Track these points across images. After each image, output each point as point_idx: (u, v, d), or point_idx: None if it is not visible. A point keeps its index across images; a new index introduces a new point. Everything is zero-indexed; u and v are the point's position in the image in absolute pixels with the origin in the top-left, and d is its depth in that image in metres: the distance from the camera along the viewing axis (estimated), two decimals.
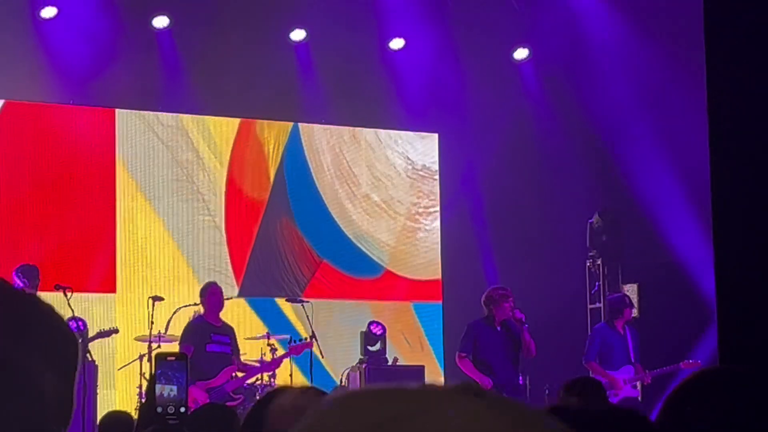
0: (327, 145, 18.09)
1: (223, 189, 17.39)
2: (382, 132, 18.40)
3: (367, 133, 18.32)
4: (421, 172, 18.59)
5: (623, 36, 16.70)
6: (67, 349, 2.18)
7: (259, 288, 17.23)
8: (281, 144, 17.81)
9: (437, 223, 18.49)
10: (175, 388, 3.82)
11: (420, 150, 18.59)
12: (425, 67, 17.62)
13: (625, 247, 17.06)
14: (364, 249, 18.10)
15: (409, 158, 18.55)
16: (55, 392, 2.12)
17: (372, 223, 18.22)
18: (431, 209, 18.59)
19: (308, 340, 14.64)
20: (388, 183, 18.45)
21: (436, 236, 18.46)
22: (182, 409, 3.84)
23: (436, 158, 18.52)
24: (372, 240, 18.11)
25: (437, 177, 18.55)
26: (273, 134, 17.79)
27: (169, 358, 3.87)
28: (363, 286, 18.02)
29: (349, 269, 17.86)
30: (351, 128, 18.17)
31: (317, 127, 18.01)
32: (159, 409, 3.80)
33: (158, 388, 3.82)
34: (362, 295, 17.99)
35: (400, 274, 18.19)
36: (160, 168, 17.16)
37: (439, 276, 18.38)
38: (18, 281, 13.13)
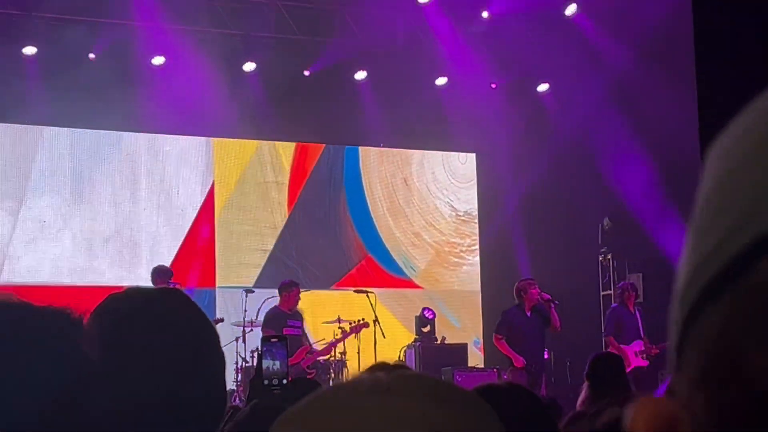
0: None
1: (288, 201, 17.30)
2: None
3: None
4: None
5: (623, 64, 16.32)
6: (212, 344, 2.26)
7: (324, 282, 17.04)
8: (341, 166, 17.84)
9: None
10: (278, 363, 4.01)
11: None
12: (464, 100, 17.32)
13: (629, 244, 16.79)
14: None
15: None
16: (204, 389, 2.18)
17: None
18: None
19: (364, 321, 14.35)
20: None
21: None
22: (284, 381, 4.00)
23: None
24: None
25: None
26: (338, 156, 17.76)
27: (272, 340, 4.16)
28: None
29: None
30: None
31: (374, 156, 17.91)
32: (266, 382, 3.96)
33: (264, 363, 4.00)
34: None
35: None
36: (248, 185, 17.10)
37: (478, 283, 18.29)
38: (158, 280, 13.16)
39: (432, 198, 18.32)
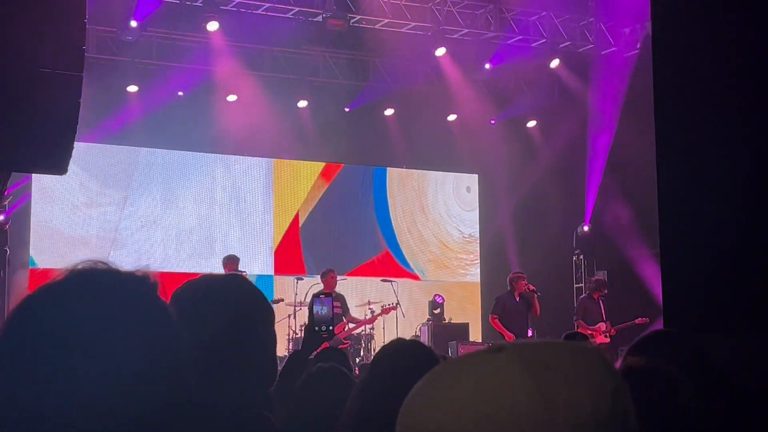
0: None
1: (326, 207, 17.32)
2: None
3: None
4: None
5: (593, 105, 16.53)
6: (268, 320, 2.22)
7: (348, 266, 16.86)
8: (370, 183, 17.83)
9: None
10: (325, 308, 3.84)
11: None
12: (469, 132, 17.40)
13: (597, 247, 17.01)
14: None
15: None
16: (263, 357, 2.16)
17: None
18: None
19: (393, 305, 14.30)
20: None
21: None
22: (330, 327, 3.84)
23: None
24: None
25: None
26: (368, 174, 17.78)
27: (321, 295, 4.06)
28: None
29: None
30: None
31: (397, 179, 17.88)
32: (315, 327, 3.81)
33: (315, 309, 3.87)
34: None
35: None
36: (298, 195, 17.10)
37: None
38: (227, 266, 13.04)
39: (444, 223, 18.16)
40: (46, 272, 14.74)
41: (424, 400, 0.98)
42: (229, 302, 2.13)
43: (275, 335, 2.24)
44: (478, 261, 18.24)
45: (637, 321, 14.04)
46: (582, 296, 14.75)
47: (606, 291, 14.20)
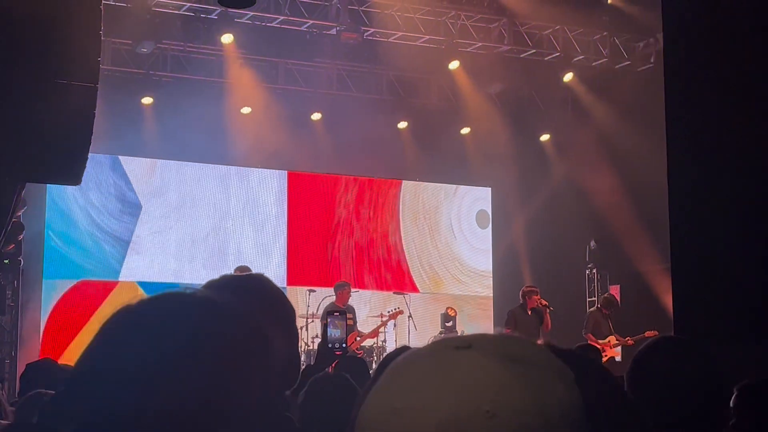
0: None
1: (338, 221, 17.32)
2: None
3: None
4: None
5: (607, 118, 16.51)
6: (293, 318, 2.23)
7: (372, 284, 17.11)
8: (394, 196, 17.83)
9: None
10: (338, 330, 3.85)
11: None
12: (483, 146, 17.40)
13: (610, 261, 17.00)
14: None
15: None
16: (287, 355, 2.14)
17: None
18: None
19: (399, 309, 14.29)
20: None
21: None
22: (344, 345, 3.85)
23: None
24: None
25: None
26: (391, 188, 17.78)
27: (335, 313, 3.96)
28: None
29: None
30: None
31: (416, 189, 17.92)
32: (329, 345, 3.81)
33: (329, 331, 3.85)
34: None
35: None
36: (313, 206, 17.08)
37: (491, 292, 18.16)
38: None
39: (457, 236, 18.08)
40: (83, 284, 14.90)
41: (389, 407, 0.94)
42: (252, 300, 2.09)
43: (298, 334, 2.27)
44: (491, 274, 18.23)
45: (646, 334, 14.09)
46: (591, 310, 14.76)
47: (613, 310, 14.28)
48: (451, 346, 0.96)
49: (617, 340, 13.93)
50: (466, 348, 0.95)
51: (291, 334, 2.22)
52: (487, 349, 0.94)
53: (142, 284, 15.24)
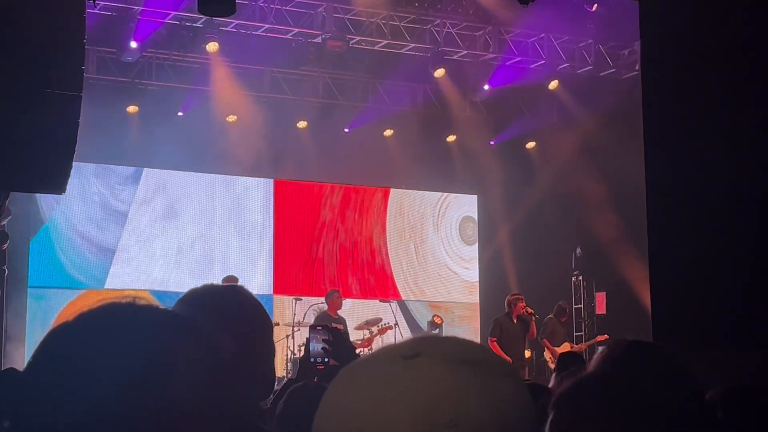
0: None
1: (323, 228, 17.33)
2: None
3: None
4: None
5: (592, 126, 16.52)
6: (267, 332, 2.25)
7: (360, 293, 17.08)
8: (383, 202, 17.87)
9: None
10: (320, 345, 3.85)
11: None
12: (469, 154, 17.47)
13: (596, 269, 17.06)
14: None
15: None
16: (259, 368, 2.16)
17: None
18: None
19: (390, 325, 14.34)
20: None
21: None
22: (326, 360, 3.85)
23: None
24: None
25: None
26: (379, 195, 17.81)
27: (318, 328, 3.93)
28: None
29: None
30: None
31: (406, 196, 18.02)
32: (312, 360, 3.84)
33: (311, 346, 3.87)
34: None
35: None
36: (298, 215, 17.02)
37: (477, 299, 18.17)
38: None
39: (442, 243, 18.07)
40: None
41: (349, 427, 0.92)
42: (230, 313, 2.13)
43: (274, 347, 2.28)
44: (477, 281, 18.22)
45: (598, 338, 14.49)
46: (549, 317, 14.68)
47: (567, 318, 14.70)
48: (398, 356, 0.95)
49: (571, 347, 14.13)
50: (414, 357, 0.93)
51: (264, 347, 2.22)
52: (435, 356, 0.93)
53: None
